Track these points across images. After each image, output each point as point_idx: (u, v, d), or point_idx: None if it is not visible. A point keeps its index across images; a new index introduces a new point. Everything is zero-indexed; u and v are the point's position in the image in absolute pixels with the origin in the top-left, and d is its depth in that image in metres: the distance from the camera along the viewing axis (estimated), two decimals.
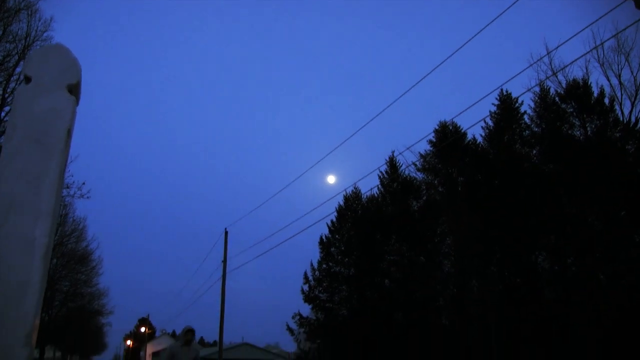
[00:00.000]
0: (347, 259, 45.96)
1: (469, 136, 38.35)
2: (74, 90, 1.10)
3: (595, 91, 30.85)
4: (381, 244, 41.83)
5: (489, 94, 36.68)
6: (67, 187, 23.03)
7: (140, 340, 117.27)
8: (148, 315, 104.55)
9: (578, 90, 30.91)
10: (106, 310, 53.62)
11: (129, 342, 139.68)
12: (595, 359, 24.29)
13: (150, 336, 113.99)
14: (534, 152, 33.71)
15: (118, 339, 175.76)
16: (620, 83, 29.47)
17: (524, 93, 43.40)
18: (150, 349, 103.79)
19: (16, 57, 17.53)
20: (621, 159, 26.73)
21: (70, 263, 36.81)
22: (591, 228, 27.96)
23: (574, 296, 28.30)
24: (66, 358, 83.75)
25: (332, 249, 46.66)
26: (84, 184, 26.22)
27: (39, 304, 0.95)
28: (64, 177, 1.03)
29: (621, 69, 29.27)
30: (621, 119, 29.70)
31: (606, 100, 30.37)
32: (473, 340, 33.65)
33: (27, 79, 1.06)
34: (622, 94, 29.60)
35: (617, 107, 29.95)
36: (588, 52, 27.11)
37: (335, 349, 44.67)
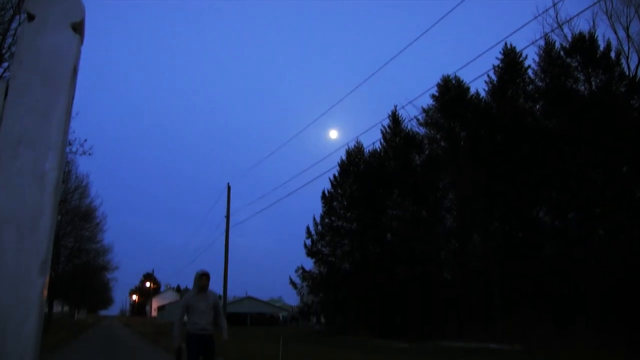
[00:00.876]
0: (349, 214, 46.27)
1: (472, 90, 38.10)
2: (78, 28, 1.09)
3: (602, 45, 30.42)
4: (383, 199, 42.00)
5: (492, 47, 36.35)
6: (69, 144, 23.00)
7: (146, 295, 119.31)
8: (153, 270, 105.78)
9: (584, 44, 30.49)
10: (111, 266, 54.09)
11: (134, 297, 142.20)
12: (597, 313, 24.62)
13: (155, 291, 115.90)
14: (538, 107, 33.53)
15: (124, 294, 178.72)
16: (628, 36, 29.01)
17: (528, 46, 43.11)
18: (155, 303, 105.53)
19: (11, 10, 17.11)
20: (625, 114, 26.54)
21: (74, 220, 37.06)
22: (593, 183, 27.98)
23: (575, 251, 28.55)
24: (74, 313, 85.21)
25: (335, 204, 46.92)
26: (85, 140, 26.13)
27: (51, 235, 1.00)
28: (70, 114, 1.05)
29: (630, 21, 28.72)
30: (627, 73, 29.34)
31: (612, 54, 29.95)
32: (474, 294, 34.13)
33: (30, 17, 1.05)
34: (629, 48, 29.18)
35: (623, 61, 29.58)
36: (595, 2, 26.62)
37: (337, 302, 45.38)
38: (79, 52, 1.33)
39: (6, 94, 1.23)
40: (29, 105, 1.21)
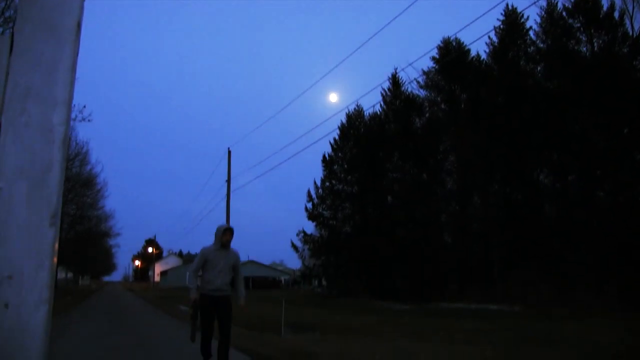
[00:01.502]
0: (349, 177, 46.41)
1: (473, 53, 37.74)
2: None
3: (605, 4, 29.94)
4: (383, 162, 42.04)
5: (493, 8, 35.76)
6: None
7: (148, 261, 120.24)
8: (155, 235, 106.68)
9: (586, 4, 30.04)
10: (113, 232, 54.50)
11: (137, 263, 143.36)
12: (595, 274, 24.86)
13: (158, 256, 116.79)
14: (539, 68, 33.26)
15: (126, 260, 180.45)
16: None
17: (529, 6, 42.44)
18: (158, 268, 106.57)
19: None
20: (628, 75, 26.32)
21: (75, 187, 37.10)
22: (594, 145, 27.93)
23: (575, 213, 28.69)
24: (77, 279, 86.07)
25: (335, 167, 47.04)
26: (84, 107, 26.11)
27: (60, 189, 1.02)
28: (75, 70, 1.05)
29: None
30: (630, 33, 28.91)
31: (616, 14, 29.50)
32: (475, 256, 34.42)
33: None
34: (633, 7, 28.67)
35: (627, 21, 29.11)
36: None
37: (338, 265, 45.83)
38: (82, 7, 1.33)
39: (11, 49, 1.23)
40: (35, 60, 1.21)
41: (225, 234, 7.12)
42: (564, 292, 24.38)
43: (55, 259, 1.15)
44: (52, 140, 1.15)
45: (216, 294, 6.96)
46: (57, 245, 1.15)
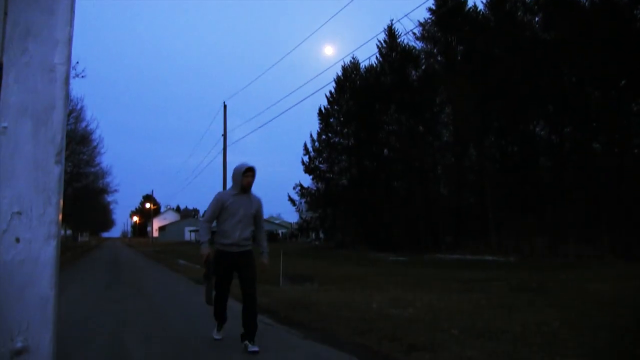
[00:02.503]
0: (346, 130, 46.39)
1: (470, 3, 37.12)
2: None
3: None
4: (380, 114, 41.94)
5: None
6: None
7: (146, 216, 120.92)
8: (152, 191, 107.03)
9: None
10: (110, 189, 54.66)
11: (135, 219, 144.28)
12: (588, 226, 25.14)
13: (156, 212, 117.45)
14: (537, 19, 32.79)
15: (125, 216, 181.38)
16: None
17: None
18: (156, 224, 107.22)
19: None
20: (627, 25, 25.94)
21: (71, 144, 36.90)
22: (590, 96, 27.83)
23: (568, 164, 28.88)
24: (76, 236, 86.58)
25: (331, 120, 46.97)
26: (77, 63, 25.80)
27: (63, 128, 1.05)
28: (74, 10, 1.05)
29: None
30: None
31: None
32: (470, 209, 34.72)
33: None
34: None
35: None
36: None
37: (335, 217, 46.23)
38: None
39: None
40: None
41: (246, 174, 5.74)
42: (557, 243, 24.73)
43: (62, 197, 1.19)
44: (54, 79, 1.17)
45: (234, 249, 5.70)
46: (62, 183, 1.19)
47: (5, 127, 1.13)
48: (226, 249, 5.72)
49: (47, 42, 1.17)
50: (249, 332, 5.48)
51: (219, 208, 5.71)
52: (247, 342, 5.46)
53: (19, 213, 1.13)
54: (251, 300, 5.62)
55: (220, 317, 6.09)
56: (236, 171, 5.82)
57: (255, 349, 5.34)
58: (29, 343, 1.11)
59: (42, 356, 1.12)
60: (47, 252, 1.14)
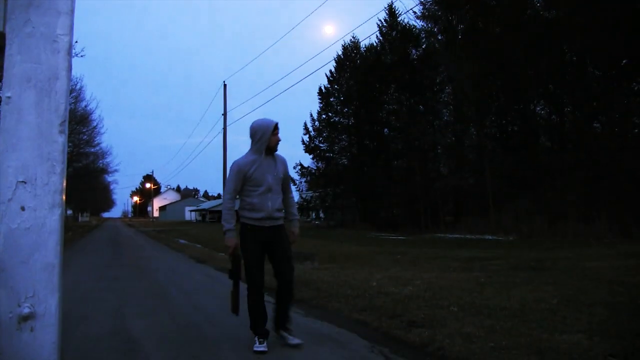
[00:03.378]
0: (346, 109, 46.36)
1: None
2: None
3: None
4: (380, 93, 41.88)
5: None
6: None
7: (147, 196, 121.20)
8: (152, 171, 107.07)
9: None
10: (111, 169, 54.65)
11: (135, 199, 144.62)
12: (588, 205, 25.17)
13: (156, 192, 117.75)
14: None
15: (125, 196, 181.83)
16: None
17: None
18: (156, 203, 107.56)
19: None
20: (629, 4, 25.67)
21: (71, 124, 36.76)
22: (591, 76, 27.71)
23: (568, 144, 28.88)
24: (77, 216, 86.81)
25: (332, 99, 46.89)
26: (76, 42, 25.62)
27: (67, 98, 1.06)
28: None
29: None
30: None
31: None
32: (470, 188, 34.75)
33: None
34: None
35: None
36: None
37: (335, 196, 46.34)
38: None
39: None
40: None
41: (274, 133, 4.72)
42: (556, 222, 24.79)
43: (65, 166, 1.21)
44: (57, 50, 1.18)
45: (267, 223, 4.69)
46: (66, 152, 1.20)
47: (9, 97, 1.14)
48: (259, 224, 4.66)
49: (49, 12, 1.17)
50: (286, 322, 4.79)
51: (241, 179, 4.66)
52: (286, 333, 4.75)
53: (24, 182, 1.14)
54: (289, 287, 4.83)
55: (262, 319, 4.70)
56: (261, 128, 4.69)
57: (298, 341, 4.64)
58: (35, 309, 1.13)
59: (49, 321, 1.14)
60: (52, 220, 1.16)
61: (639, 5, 25.29)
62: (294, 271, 4.85)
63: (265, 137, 4.63)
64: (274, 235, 4.71)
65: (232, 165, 4.75)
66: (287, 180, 4.99)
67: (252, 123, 4.76)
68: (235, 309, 4.78)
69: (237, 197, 4.81)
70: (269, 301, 5.08)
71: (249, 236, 4.67)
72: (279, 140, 4.78)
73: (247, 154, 4.77)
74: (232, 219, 4.70)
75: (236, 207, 4.81)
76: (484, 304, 6.16)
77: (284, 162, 4.89)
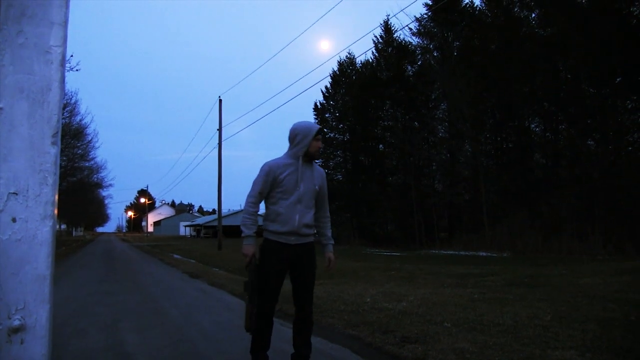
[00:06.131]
0: (341, 125, 46.50)
1: None
2: None
3: None
4: (375, 109, 42.06)
5: None
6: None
7: (141, 211, 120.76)
8: (147, 186, 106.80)
9: None
10: (105, 183, 54.59)
11: (130, 213, 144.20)
12: (582, 222, 25.24)
13: (151, 206, 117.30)
14: (533, 15, 32.85)
15: (119, 211, 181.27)
16: None
17: None
18: (151, 218, 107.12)
19: None
20: (624, 21, 25.93)
21: (65, 138, 36.77)
22: (585, 94, 27.91)
23: (563, 161, 29.04)
24: (71, 231, 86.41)
25: (327, 115, 47.01)
26: (72, 56, 25.70)
27: (59, 109, 1.06)
28: None
29: None
30: None
31: None
32: (464, 204, 34.82)
33: None
34: None
35: None
36: None
37: (330, 212, 46.27)
38: None
39: None
40: None
41: (316, 137, 4.13)
42: (550, 239, 24.84)
43: (58, 178, 1.21)
44: (50, 61, 1.19)
45: (291, 240, 4.06)
46: (59, 164, 1.21)
47: (1, 108, 1.15)
48: (281, 240, 4.02)
49: (42, 23, 1.18)
50: (304, 357, 4.13)
51: (270, 182, 4.03)
52: None
53: (15, 193, 1.15)
54: (308, 319, 4.18)
55: (262, 348, 4.11)
56: (302, 131, 4.11)
57: None
58: (26, 321, 1.14)
59: (39, 333, 1.15)
60: (44, 231, 1.17)
61: (632, 23, 25.55)
62: (312, 301, 4.24)
63: (305, 141, 4.05)
64: (300, 257, 4.09)
65: (262, 165, 4.12)
66: (323, 195, 4.46)
67: (293, 125, 4.20)
68: (249, 326, 3.95)
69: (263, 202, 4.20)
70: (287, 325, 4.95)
71: (272, 257, 4.02)
72: (321, 147, 4.22)
73: (282, 156, 4.19)
74: (252, 225, 4.08)
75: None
76: (477, 320, 6.16)
77: (322, 175, 4.38)
